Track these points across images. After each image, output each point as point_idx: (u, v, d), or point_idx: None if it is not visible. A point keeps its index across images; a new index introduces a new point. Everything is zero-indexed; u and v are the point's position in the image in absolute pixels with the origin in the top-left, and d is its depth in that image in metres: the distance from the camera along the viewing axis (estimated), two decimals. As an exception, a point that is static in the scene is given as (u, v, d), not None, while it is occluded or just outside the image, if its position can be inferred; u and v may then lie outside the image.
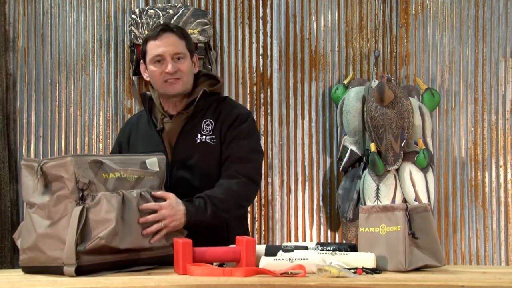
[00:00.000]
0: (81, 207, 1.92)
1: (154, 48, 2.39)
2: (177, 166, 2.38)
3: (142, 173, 2.08)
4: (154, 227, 2.06)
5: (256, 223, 3.59)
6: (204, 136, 2.39)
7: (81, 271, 1.89)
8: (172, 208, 2.13)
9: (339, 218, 3.51)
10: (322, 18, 3.64)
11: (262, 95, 3.61)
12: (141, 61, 2.47)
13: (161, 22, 3.39)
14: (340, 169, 3.52)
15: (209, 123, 2.41)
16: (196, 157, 2.38)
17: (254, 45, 3.62)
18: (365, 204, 3.33)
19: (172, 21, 3.40)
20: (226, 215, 2.32)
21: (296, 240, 3.57)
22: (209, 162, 2.38)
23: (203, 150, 2.38)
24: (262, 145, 3.27)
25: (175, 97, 2.42)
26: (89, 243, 1.90)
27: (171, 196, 2.16)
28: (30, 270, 1.99)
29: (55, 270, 1.91)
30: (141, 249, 2.01)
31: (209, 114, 2.42)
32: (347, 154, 3.46)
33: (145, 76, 2.48)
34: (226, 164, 2.38)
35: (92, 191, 1.95)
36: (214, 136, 2.39)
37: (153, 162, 2.13)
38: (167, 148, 2.40)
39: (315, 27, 3.64)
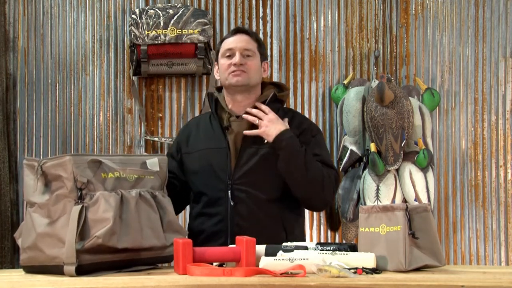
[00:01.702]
0: (80, 206, 1.92)
1: (227, 43, 2.53)
2: (242, 163, 2.45)
3: (142, 172, 2.08)
4: (252, 118, 2.40)
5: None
6: None
7: (81, 270, 1.89)
8: (277, 119, 2.39)
9: (339, 218, 3.51)
10: (322, 18, 3.64)
11: (262, 95, 3.61)
12: (215, 62, 2.61)
13: (161, 22, 3.40)
14: (340, 169, 3.52)
15: None
16: (262, 156, 2.45)
17: (254, 45, 3.61)
18: (365, 204, 3.33)
19: (172, 21, 3.40)
20: (309, 174, 2.40)
21: (296, 240, 3.57)
22: (275, 162, 2.43)
23: (271, 150, 2.44)
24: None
25: (239, 92, 2.51)
26: (86, 241, 1.90)
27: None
28: (31, 269, 1.99)
29: (55, 269, 1.92)
30: (140, 249, 2.01)
31: None
32: (347, 154, 3.46)
33: (217, 75, 2.60)
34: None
35: (90, 190, 1.96)
36: None
37: (154, 162, 2.13)
38: (231, 145, 2.47)
39: (315, 27, 3.64)
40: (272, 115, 2.42)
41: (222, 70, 2.52)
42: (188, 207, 2.67)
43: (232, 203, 2.42)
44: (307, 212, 3.59)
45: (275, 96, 2.54)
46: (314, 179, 2.41)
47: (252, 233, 2.08)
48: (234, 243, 2.24)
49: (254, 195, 2.42)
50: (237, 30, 2.57)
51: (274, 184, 2.41)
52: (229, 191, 2.43)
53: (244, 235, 2.06)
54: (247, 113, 2.45)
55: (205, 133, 2.55)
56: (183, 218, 3.46)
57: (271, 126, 2.39)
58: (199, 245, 2.04)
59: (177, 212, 2.64)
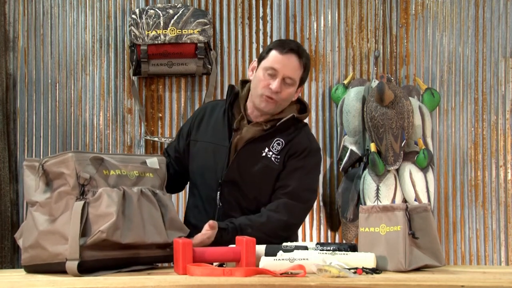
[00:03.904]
0: (82, 202, 1.92)
1: (275, 60, 2.41)
2: (234, 168, 2.43)
3: (143, 169, 2.09)
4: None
5: (256, 223, 3.59)
6: (270, 153, 2.44)
7: (83, 266, 1.89)
8: (208, 238, 2.23)
9: (339, 218, 3.51)
10: (322, 18, 3.64)
11: (262, 95, 3.61)
12: (255, 60, 2.51)
13: (161, 22, 3.39)
14: (340, 169, 3.52)
15: (280, 142, 2.46)
16: (254, 168, 2.42)
17: (254, 45, 3.61)
18: (365, 204, 3.33)
19: (172, 21, 3.40)
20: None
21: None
22: (265, 177, 2.43)
23: (264, 164, 2.43)
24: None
25: (261, 112, 2.46)
26: (90, 237, 1.90)
27: (215, 228, 2.24)
28: (33, 268, 1.98)
29: (57, 267, 1.91)
30: (142, 245, 2.00)
31: (283, 134, 2.47)
32: (347, 154, 3.46)
33: (250, 74, 2.52)
34: (279, 192, 2.42)
35: (92, 186, 1.96)
36: (279, 157, 2.44)
37: (153, 162, 2.15)
38: (232, 147, 2.45)
39: (315, 27, 3.64)
40: (207, 241, 2.24)
41: (257, 84, 2.43)
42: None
43: (220, 204, 2.43)
44: (307, 212, 3.60)
45: (292, 117, 2.47)
46: (262, 241, 2.23)
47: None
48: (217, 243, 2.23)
49: (241, 201, 2.42)
50: (292, 50, 2.42)
51: (262, 196, 2.41)
52: (218, 192, 2.44)
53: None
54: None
55: (215, 125, 2.53)
56: (183, 211, 3.45)
57: (206, 243, 2.23)
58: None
59: (175, 191, 2.67)
